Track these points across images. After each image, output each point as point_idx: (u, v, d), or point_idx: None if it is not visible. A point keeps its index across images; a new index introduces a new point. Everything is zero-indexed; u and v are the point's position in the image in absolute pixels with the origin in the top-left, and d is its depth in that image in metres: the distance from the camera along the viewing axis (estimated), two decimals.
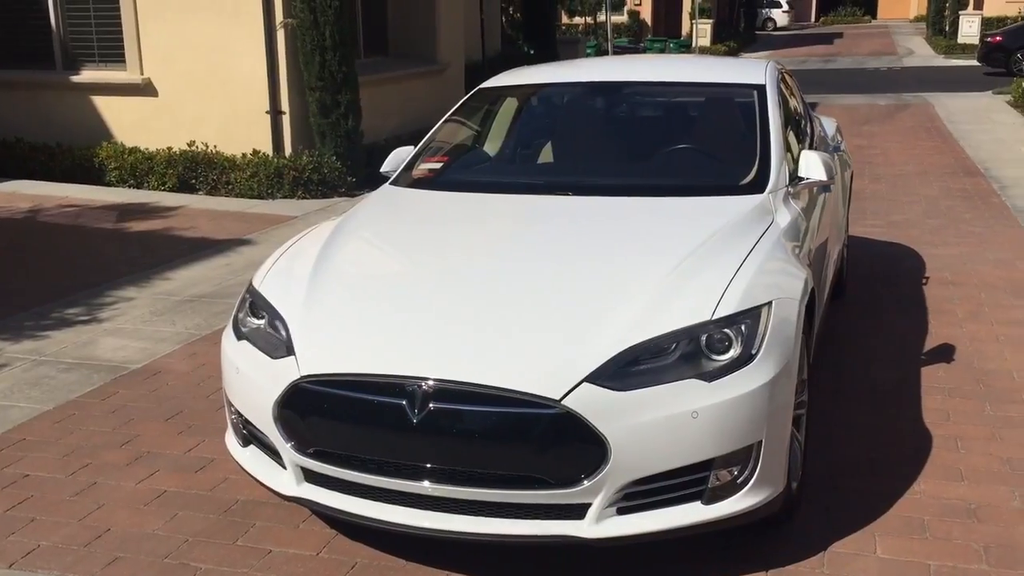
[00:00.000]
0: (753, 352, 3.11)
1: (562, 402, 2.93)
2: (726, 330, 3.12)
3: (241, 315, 3.67)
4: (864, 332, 5.68)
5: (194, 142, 10.36)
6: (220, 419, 4.62)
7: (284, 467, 3.38)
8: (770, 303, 3.24)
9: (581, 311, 3.22)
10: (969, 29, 33.76)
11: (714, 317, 3.13)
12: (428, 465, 3.05)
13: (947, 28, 36.55)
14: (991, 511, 3.64)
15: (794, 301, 3.36)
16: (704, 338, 3.11)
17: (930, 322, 5.83)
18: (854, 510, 3.65)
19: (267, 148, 10.24)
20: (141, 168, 10.31)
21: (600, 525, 3.02)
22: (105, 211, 9.34)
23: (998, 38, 25.72)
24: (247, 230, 8.62)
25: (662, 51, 28.34)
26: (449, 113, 5.07)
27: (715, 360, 3.09)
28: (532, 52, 16.75)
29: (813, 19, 58.35)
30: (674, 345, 3.08)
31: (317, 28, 9.88)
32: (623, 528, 3.03)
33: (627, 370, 3.01)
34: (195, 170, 10.20)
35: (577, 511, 3.04)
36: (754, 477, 3.11)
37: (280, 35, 10.06)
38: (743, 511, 3.11)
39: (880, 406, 4.60)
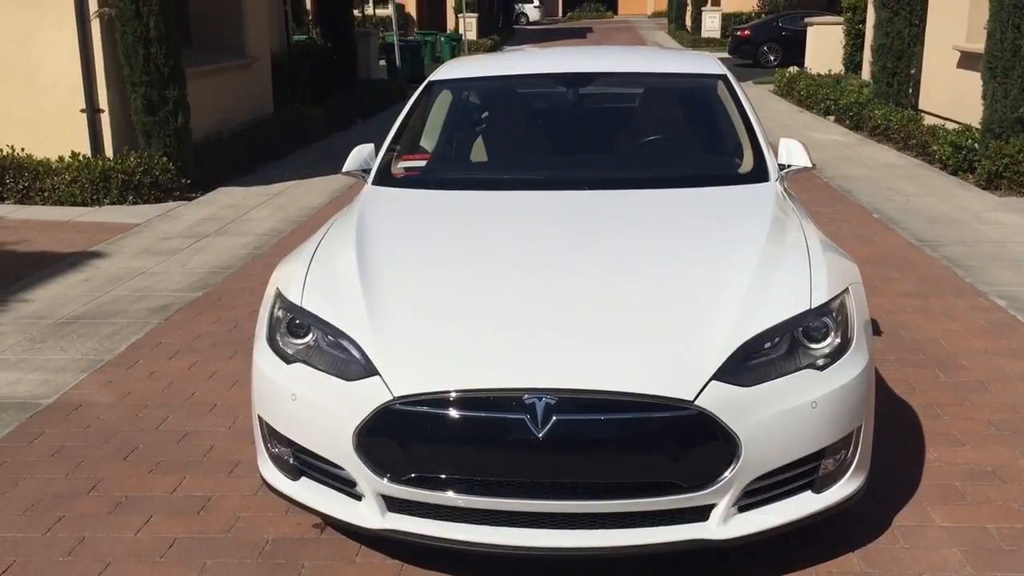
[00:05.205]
0: (850, 337, 3.14)
1: (695, 403, 2.83)
2: (824, 318, 3.12)
3: (279, 336, 3.28)
4: None
5: None
6: (186, 452, 4.15)
7: (359, 498, 3.07)
8: (847, 289, 3.29)
9: (683, 309, 3.11)
10: (712, 24, 36.17)
11: (813, 306, 3.13)
12: (552, 480, 2.86)
13: (690, 23, 38.97)
14: (1008, 471, 3.86)
15: (859, 285, 3.42)
16: (802, 328, 3.10)
17: None
18: (889, 484, 3.77)
19: (85, 150, 9.31)
20: None
21: (728, 525, 2.95)
22: None
23: (747, 32, 27.74)
24: (90, 241, 7.80)
25: (433, 45, 28.25)
26: (406, 110, 4.74)
27: (816, 349, 3.08)
28: (330, 44, 16.22)
29: (561, 14, 60.48)
30: (780, 337, 3.05)
31: (140, 19, 9.07)
32: (751, 526, 2.97)
33: (745, 365, 2.95)
34: (1, 177, 9.11)
35: (701, 513, 2.94)
36: (855, 462, 3.14)
37: (95, 26, 9.17)
38: (848, 496, 3.13)
39: None
